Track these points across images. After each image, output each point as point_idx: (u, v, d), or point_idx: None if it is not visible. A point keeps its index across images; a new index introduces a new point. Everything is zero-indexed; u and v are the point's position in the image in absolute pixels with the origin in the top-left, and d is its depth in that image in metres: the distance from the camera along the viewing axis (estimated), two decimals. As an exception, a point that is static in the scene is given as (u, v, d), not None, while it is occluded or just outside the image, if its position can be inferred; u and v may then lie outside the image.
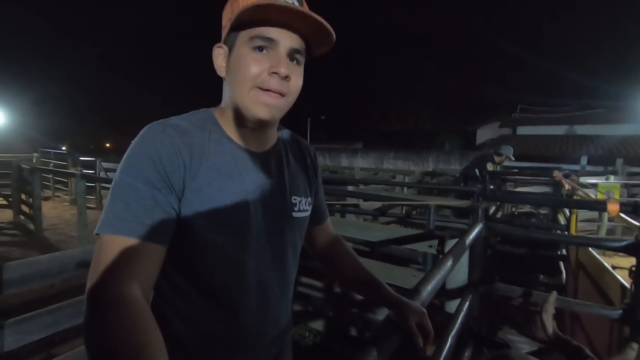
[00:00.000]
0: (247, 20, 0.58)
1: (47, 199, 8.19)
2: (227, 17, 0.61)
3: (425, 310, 0.72)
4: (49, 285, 3.05)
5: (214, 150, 0.62)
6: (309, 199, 0.77)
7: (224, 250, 0.62)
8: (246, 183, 0.64)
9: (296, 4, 0.59)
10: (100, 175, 8.14)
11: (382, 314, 2.19)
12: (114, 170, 8.97)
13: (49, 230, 5.50)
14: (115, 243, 0.52)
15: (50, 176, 8.43)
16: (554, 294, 1.51)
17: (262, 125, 0.65)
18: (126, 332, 0.43)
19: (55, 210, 7.13)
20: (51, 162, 9.88)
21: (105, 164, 8.43)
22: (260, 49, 0.60)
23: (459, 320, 1.33)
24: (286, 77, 0.60)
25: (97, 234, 0.54)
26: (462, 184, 4.87)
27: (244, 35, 0.60)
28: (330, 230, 0.90)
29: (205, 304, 0.63)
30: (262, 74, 0.59)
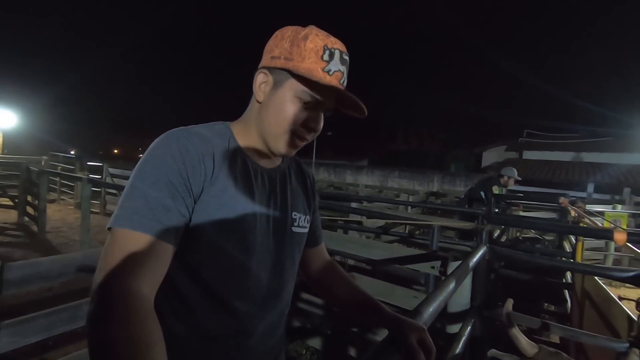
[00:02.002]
0: (307, 74, 0.62)
1: (52, 201, 8.25)
2: (283, 52, 0.65)
3: (425, 327, 0.71)
4: (48, 287, 3.04)
5: (230, 160, 0.65)
6: (308, 217, 0.80)
7: (231, 254, 0.64)
8: (256, 194, 0.67)
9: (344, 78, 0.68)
10: (107, 180, 8.21)
11: (381, 333, 2.15)
12: (120, 176, 9.07)
13: (52, 232, 5.52)
14: (131, 238, 0.53)
15: (58, 179, 8.52)
16: (510, 300, 1.48)
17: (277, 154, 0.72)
18: (133, 329, 0.43)
19: (60, 213, 7.18)
20: (59, 166, 10.00)
21: (112, 170, 8.52)
22: (306, 103, 0.66)
23: (460, 344, 1.30)
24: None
25: (110, 227, 0.55)
26: (466, 206, 4.84)
27: (297, 84, 0.65)
28: (324, 255, 0.91)
29: (205, 306, 0.64)
30: (300, 126, 0.67)
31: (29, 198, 6.08)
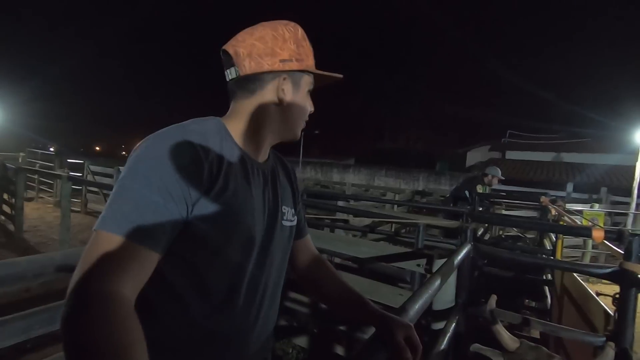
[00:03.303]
0: (314, 70, 0.73)
1: (30, 199, 7.99)
2: (292, 54, 0.70)
3: (412, 324, 0.72)
4: (25, 289, 2.94)
5: (228, 158, 0.65)
6: (294, 210, 0.82)
7: (232, 253, 0.64)
8: (254, 191, 0.68)
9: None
10: (88, 178, 8.00)
11: (368, 331, 2.16)
12: (102, 174, 8.83)
13: (30, 232, 5.34)
14: (114, 242, 0.52)
15: (36, 177, 8.25)
16: (493, 297, 1.52)
17: (287, 142, 0.77)
18: (110, 329, 0.42)
19: (38, 212, 6.95)
20: (37, 163, 9.68)
21: (93, 167, 8.29)
22: (309, 92, 0.77)
23: (445, 340, 1.32)
24: None
25: (96, 229, 0.53)
26: (451, 205, 4.92)
27: (308, 79, 0.75)
28: (311, 247, 0.92)
29: (204, 306, 0.63)
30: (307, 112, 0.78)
31: (6, 196, 5.86)
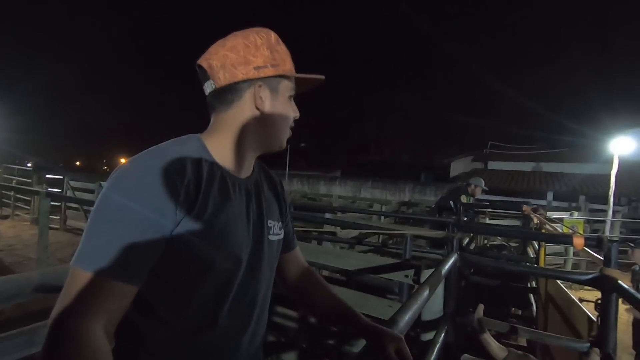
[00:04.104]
0: (293, 74, 0.72)
1: (5, 217, 7.70)
2: (267, 60, 0.68)
3: (402, 336, 0.73)
4: (-1, 311, 2.80)
5: (208, 178, 0.63)
6: (281, 223, 0.81)
7: (218, 273, 0.63)
8: (236, 209, 0.67)
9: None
10: (68, 194, 7.77)
11: (358, 345, 2.13)
12: (82, 189, 8.60)
13: (5, 251, 5.13)
14: (89, 279, 0.52)
15: (12, 193, 7.97)
16: (481, 306, 1.54)
17: (273, 152, 0.76)
18: None
19: (14, 230, 6.69)
20: (14, 179, 9.37)
21: (73, 183, 8.07)
22: (291, 97, 0.74)
23: (435, 352, 1.32)
24: None
25: (71, 266, 0.54)
26: (437, 215, 4.98)
27: (287, 85, 0.72)
28: (300, 260, 0.91)
29: (190, 326, 0.63)
30: (292, 119, 0.75)
31: (-21, 214, 5.63)
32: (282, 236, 0.80)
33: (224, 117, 0.69)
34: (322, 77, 0.75)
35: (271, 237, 0.76)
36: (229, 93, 0.68)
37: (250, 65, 0.67)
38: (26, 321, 1.28)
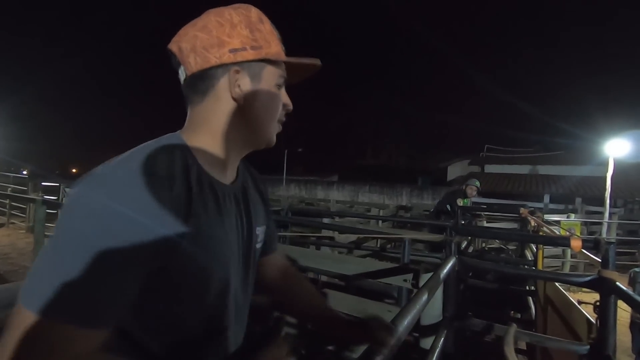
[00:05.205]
0: (280, 58, 0.60)
1: (0, 225, 7.62)
2: (246, 42, 0.58)
3: (390, 324, 0.76)
4: (-7, 321, 2.76)
5: (195, 188, 0.53)
6: (265, 227, 0.73)
7: (210, 294, 0.56)
8: (227, 222, 0.59)
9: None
10: (64, 201, 7.71)
11: (358, 350, 2.12)
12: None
13: (-1, 259, 5.07)
14: (46, 325, 0.41)
15: (7, 201, 7.91)
16: (514, 326, 1.54)
17: (261, 150, 0.66)
18: None
19: (9, 238, 6.62)
20: (9, 187, 9.30)
21: (69, 190, 8.02)
22: (279, 86, 0.62)
23: (435, 356, 1.31)
24: None
25: (20, 303, 0.42)
26: (435, 219, 4.99)
27: (273, 71, 0.60)
28: (280, 261, 0.85)
29: (177, 351, 0.55)
30: (282, 110, 0.65)
31: (-26, 222, 5.58)
32: (264, 241, 0.74)
33: (198, 110, 0.59)
34: (318, 61, 0.64)
35: (257, 245, 0.70)
36: (201, 81, 0.57)
37: (225, 47, 0.56)
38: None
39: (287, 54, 0.63)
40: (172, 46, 0.59)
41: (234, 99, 0.58)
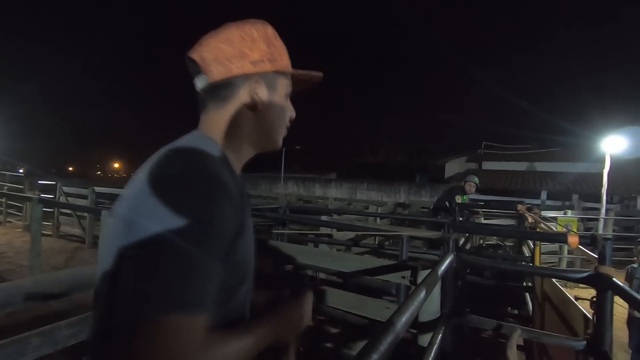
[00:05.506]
0: (290, 71, 0.68)
1: (-3, 224, 7.58)
2: (264, 55, 0.65)
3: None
4: (-10, 320, 2.75)
5: (240, 187, 0.61)
6: None
7: (240, 292, 0.61)
8: (249, 217, 0.63)
9: None
10: (60, 200, 7.68)
11: (356, 348, 2.13)
12: (75, 195, 8.48)
13: (-4, 258, 5.05)
14: (186, 324, 0.45)
15: (3, 200, 7.87)
16: (518, 331, 1.54)
17: (266, 153, 0.72)
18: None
19: (5, 237, 6.60)
20: (6, 185, 9.25)
21: (66, 189, 7.97)
22: (287, 95, 0.71)
23: (432, 352, 1.31)
24: None
25: (154, 314, 0.44)
26: (434, 216, 5.00)
27: (285, 82, 0.69)
28: None
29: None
30: (288, 118, 0.72)
31: (-30, 221, 5.55)
32: None
33: (217, 115, 0.65)
34: (320, 74, 0.72)
35: None
36: (223, 89, 0.63)
37: (246, 59, 0.63)
38: (17, 330, 1.26)
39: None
40: (194, 55, 0.64)
41: (253, 106, 0.65)
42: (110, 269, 0.50)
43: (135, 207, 0.50)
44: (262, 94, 0.65)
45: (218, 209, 0.50)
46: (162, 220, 0.46)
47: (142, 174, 0.53)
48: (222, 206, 0.51)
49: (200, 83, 0.64)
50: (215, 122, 0.64)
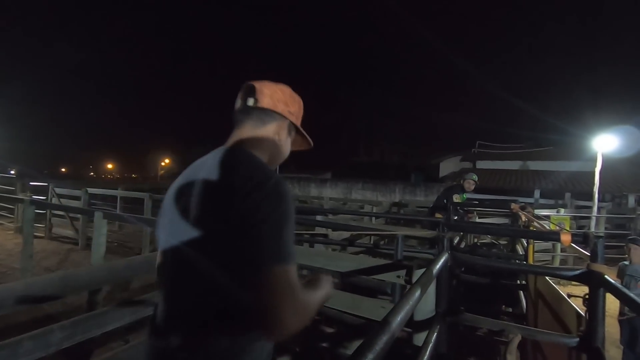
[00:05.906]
0: (298, 125, 0.99)
1: (-12, 226, 7.47)
2: (296, 112, 0.97)
3: None
4: (-19, 324, 2.71)
5: None
6: None
7: None
8: None
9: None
10: (53, 201, 7.59)
11: (352, 347, 2.13)
12: (68, 197, 8.36)
13: (-13, 261, 4.98)
14: (295, 269, 0.71)
15: (-5, 202, 7.76)
16: (519, 336, 1.56)
17: None
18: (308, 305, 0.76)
19: (-3, 240, 6.50)
20: (-3, 187, 9.12)
21: (59, 190, 7.89)
22: (291, 139, 1.01)
23: (428, 351, 1.32)
24: None
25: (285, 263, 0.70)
26: (434, 215, 5.02)
27: (293, 135, 1.00)
28: None
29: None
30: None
31: (-40, 224, 5.46)
32: None
33: (255, 132, 0.90)
34: (311, 144, 1.06)
35: None
36: (266, 115, 0.91)
37: (288, 107, 0.95)
38: (9, 334, 1.24)
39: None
40: (256, 84, 0.92)
41: (277, 137, 0.94)
42: (205, 236, 0.75)
43: (246, 193, 0.72)
44: (284, 133, 0.95)
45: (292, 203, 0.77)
46: (278, 205, 0.73)
47: (218, 170, 0.79)
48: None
49: (250, 102, 0.90)
50: (257, 138, 0.91)
